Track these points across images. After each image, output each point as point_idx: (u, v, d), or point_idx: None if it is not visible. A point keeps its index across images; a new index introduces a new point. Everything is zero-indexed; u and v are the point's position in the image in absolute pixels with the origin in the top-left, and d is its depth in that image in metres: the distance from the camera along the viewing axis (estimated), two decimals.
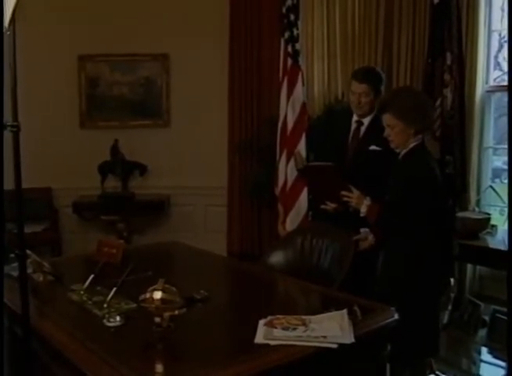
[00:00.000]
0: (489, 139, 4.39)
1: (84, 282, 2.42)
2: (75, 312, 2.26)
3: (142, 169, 5.71)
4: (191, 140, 5.76)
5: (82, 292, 2.37)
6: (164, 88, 5.80)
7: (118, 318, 2.07)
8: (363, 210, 2.80)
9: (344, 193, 2.91)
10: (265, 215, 5.50)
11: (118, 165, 5.58)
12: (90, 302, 2.27)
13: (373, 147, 3.12)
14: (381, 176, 2.78)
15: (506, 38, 4.26)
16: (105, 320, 2.07)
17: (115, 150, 5.58)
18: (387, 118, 2.69)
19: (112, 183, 5.68)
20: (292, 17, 4.19)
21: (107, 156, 5.57)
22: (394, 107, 2.66)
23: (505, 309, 3.65)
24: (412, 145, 2.67)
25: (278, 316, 2.03)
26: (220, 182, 5.72)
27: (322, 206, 3.16)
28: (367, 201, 2.80)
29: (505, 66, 4.34)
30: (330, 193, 3.10)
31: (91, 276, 2.44)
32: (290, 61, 4.22)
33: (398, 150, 2.72)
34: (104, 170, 5.62)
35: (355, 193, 2.87)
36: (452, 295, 3.97)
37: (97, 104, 5.80)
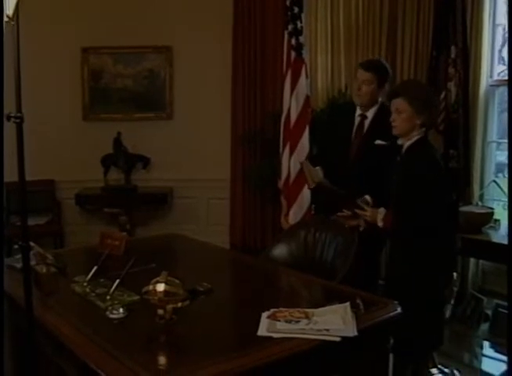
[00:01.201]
0: (493, 133, 4.38)
1: (88, 274, 2.42)
2: (78, 304, 2.26)
3: (145, 162, 5.70)
4: (194, 133, 5.75)
5: (85, 284, 2.37)
6: (168, 80, 5.79)
7: (121, 310, 2.07)
8: (380, 224, 2.76)
9: (357, 211, 2.89)
10: (268, 207, 5.49)
11: (121, 158, 5.58)
12: (93, 294, 2.27)
13: (378, 142, 3.09)
14: (387, 171, 2.77)
15: (506, 35, 4.24)
16: (108, 312, 2.07)
17: (118, 142, 5.57)
18: (397, 103, 2.68)
19: (115, 176, 5.69)
20: (296, 10, 4.18)
21: (110, 148, 5.57)
22: (409, 93, 2.67)
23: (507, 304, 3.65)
24: (415, 138, 2.67)
25: (281, 308, 2.03)
26: (223, 175, 5.72)
27: (339, 214, 3.09)
28: (381, 214, 2.76)
29: None
30: (340, 207, 3.07)
31: (95, 268, 2.44)
32: (293, 54, 4.21)
33: (400, 142, 2.72)
34: (107, 162, 5.62)
35: (368, 210, 2.85)
36: (455, 290, 3.97)
37: (100, 96, 5.78)
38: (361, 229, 2.94)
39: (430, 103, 2.69)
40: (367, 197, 2.97)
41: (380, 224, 2.76)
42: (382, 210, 2.76)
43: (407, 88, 2.76)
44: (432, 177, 2.58)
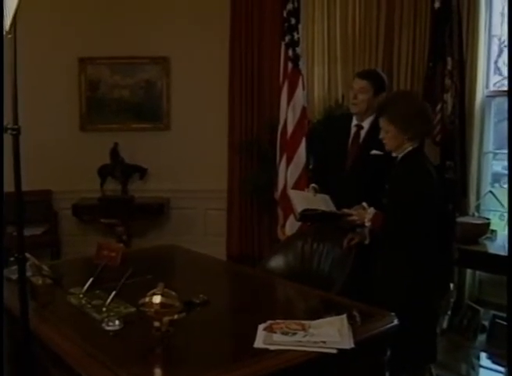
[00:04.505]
0: (489, 144, 4.40)
1: (84, 285, 2.42)
2: (74, 316, 2.25)
3: (142, 172, 5.71)
4: (191, 143, 5.75)
5: (81, 296, 2.37)
6: (165, 91, 5.81)
7: (117, 322, 2.06)
8: (367, 224, 2.73)
9: (346, 219, 2.85)
10: (265, 218, 5.49)
11: (118, 168, 5.58)
12: (89, 306, 2.26)
13: (374, 152, 3.09)
14: (383, 181, 2.77)
15: (506, 43, 4.27)
16: (104, 324, 2.06)
17: (115, 152, 5.58)
18: (381, 122, 2.72)
19: (112, 186, 5.68)
20: (293, 21, 4.22)
21: (107, 159, 5.57)
22: (389, 112, 2.68)
23: (504, 315, 3.65)
24: (408, 149, 2.68)
25: (277, 320, 2.03)
26: (220, 186, 5.71)
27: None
28: (369, 214, 2.73)
29: (505, 71, 4.35)
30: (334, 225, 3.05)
31: (91, 279, 2.44)
32: (290, 65, 4.24)
33: (394, 154, 2.74)
34: (104, 173, 5.62)
35: (354, 212, 2.82)
36: (452, 300, 3.96)
37: (97, 107, 5.79)
38: (366, 242, 2.90)
39: (415, 115, 2.65)
40: (364, 204, 2.97)
41: (367, 224, 2.74)
42: (372, 210, 2.74)
43: (388, 105, 2.73)
44: (421, 189, 2.58)
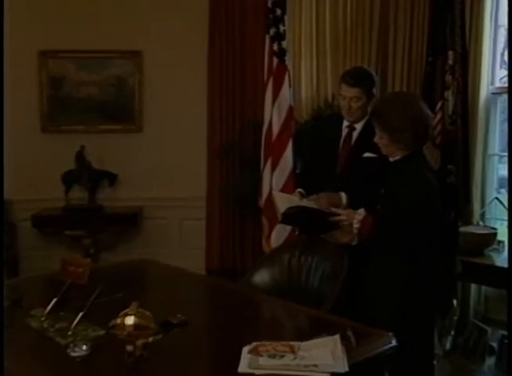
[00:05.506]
0: (495, 145, 4.45)
1: (46, 306, 2.40)
2: (35, 342, 2.23)
3: (112, 178, 5.68)
4: (166, 146, 5.75)
5: (43, 318, 2.35)
6: (137, 88, 5.79)
7: (84, 347, 2.05)
8: (356, 225, 2.77)
9: (332, 219, 2.89)
10: (249, 228, 5.50)
11: (84, 174, 5.55)
12: (52, 330, 2.25)
13: (367, 154, 3.14)
14: (377, 185, 2.80)
15: (506, 42, 4.31)
16: (69, 350, 2.04)
17: (81, 157, 5.54)
18: (375, 126, 2.77)
19: (77, 194, 5.64)
20: (278, 12, 4.24)
21: (72, 164, 5.54)
22: (382, 120, 2.72)
23: None
24: (404, 154, 2.72)
25: (263, 342, 2.03)
26: (198, 193, 5.71)
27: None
28: (360, 215, 2.78)
29: None
30: (320, 226, 3.07)
31: (54, 299, 2.42)
32: (275, 60, 4.26)
33: (391, 159, 2.77)
34: (69, 179, 5.58)
35: (343, 212, 2.88)
36: (455, 319, 3.99)
37: (61, 106, 5.75)
38: (353, 243, 2.92)
39: (407, 131, 2.66)
40: (342, 194, 3.04)
41: (355, 226, 2.76)
42: (362, 211, 2.78)
43: (381, 112, 2.75)
44: (414, 197, 2.61)
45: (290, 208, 3.06)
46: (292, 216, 3.10)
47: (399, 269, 2.64)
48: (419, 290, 2.64)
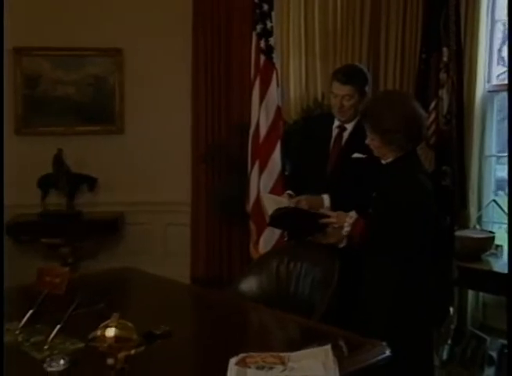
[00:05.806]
0: (492, 146, 4.46)
1: (21, 319, 2.39)
2: (9, 357, 2.20)
3: (91, 183, 5.66)
4: (149, 148, 5.74)
5: (18, 332, 2.33)
6: (117, 88, 5.78)
7: (62, 361, 2.02)
8: (347, 229, 2.78)
9: (322, 221, 2.92)
10: (236, 234, 5.50)
11: (62, 178, 5.52)
12: (27, 344, 2.23)
13: (356, 155, 3.17)
14: (367, 187, 2.82)
15: (506, 42, 4.33)
16: (46, 365, 2.01)
17: (58, 160, 5.52)
18: (366, 128, 2.78)
19: (55, 200, 5.63)
20: (265, 7, 4.25)
21: (49, 168, 5.51)
22: (373, 120, 2.73)
23: None
24: (397, 156, 2.73)
25: (251, 353, 2.02)
26: (183, 197, 5.71)
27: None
28: (351, 218, 2.79)
29: None
30: (309, 228, 3.09)
31: (30, 311, 2.40)
32: (262, 58, 4.27)
33: (383, 162, 2.79)
34: (45, 184, 5.56)
35: (333, 214, 2.90)
36: (452, 327, 4.00)
37: (36, 107, 5.74)
38: (341, 245, 2.94)
39: (398, 133, 2.67)
40: (325, 197, 3.11)
41: (346, 229, 2.78)
42: (353, 214, 2.80)
43: (372, 112, 2.76)
44: (405, 201, 2.62)
45: (279, 209, 3.08)
46: (280, 218, 3.12)
47: (391, 273, 2.66)
48: (412, 294, 2.65)
